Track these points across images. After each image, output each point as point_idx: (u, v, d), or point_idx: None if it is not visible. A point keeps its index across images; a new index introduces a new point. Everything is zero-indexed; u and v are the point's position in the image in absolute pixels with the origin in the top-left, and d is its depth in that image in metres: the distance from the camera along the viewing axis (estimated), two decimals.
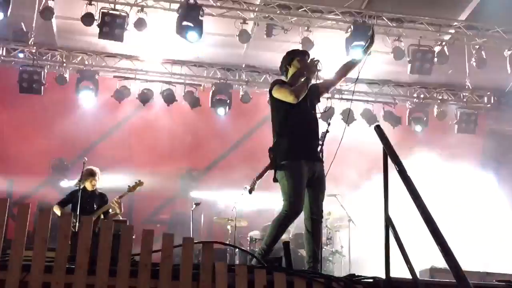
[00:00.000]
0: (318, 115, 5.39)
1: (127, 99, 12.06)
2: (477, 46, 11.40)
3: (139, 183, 8.77)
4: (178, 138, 12.15)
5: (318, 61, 5.29)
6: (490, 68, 11.45)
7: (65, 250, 3.76)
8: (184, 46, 10.82)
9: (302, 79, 5.28)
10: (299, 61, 5.44)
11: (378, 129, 4.52)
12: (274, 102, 5.35)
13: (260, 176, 6.01)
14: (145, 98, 12.00)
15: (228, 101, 12.36)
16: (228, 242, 9.41)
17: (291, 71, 5.46)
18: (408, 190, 3.78)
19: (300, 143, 5.17)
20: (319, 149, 5.41)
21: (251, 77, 12.64)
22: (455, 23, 11.34)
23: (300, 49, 5.74)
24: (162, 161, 11.66)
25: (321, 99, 5.53)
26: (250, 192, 6.54)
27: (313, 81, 5.36)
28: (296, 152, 5.13)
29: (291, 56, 5.52)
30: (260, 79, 12.66)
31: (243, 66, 12.50)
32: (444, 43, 11.45)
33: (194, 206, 9.80)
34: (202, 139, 12.35)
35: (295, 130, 5.21)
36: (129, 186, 8.71)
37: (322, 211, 5.24)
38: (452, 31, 11.44)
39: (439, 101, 13.34)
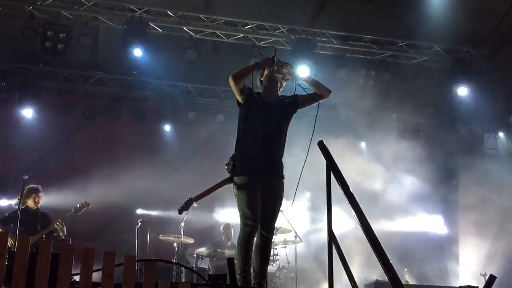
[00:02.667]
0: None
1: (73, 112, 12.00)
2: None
3: (85, 205, 8.56)
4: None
5: (276, 56, 5.32)
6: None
7: (1, 271, 3.62)
8: None
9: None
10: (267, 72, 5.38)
11: (321, 145, 4.56)
12: (238, 107, 5.31)
13: (202, 195, 5.92)
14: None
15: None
16: (174, 260, 9.28)
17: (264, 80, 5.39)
18: (351, 207, 3.81)
19: (254, 158, 5.06)
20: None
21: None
22: (398, 41, 11.67)
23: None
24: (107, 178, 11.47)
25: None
26: (179, 212, 6.41)
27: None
28: (249, 169, 5.04)
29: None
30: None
31: None
32: None
33: (139, 223, 9.66)
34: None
35: (251, 142, 5.10)
36: (74, 207, 8.49)
37: (274, 227, 5.17)
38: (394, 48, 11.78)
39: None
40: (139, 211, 11.20)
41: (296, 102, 5.29)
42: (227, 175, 5.26)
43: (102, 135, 12.19)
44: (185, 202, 6.34)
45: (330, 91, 5.23)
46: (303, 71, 10.69)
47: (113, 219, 11.76)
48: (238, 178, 5.06)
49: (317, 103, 5.31)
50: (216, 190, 5.81)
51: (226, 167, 5.20)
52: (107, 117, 12.40)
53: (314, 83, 5.30)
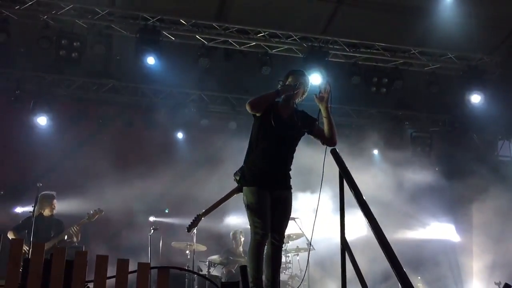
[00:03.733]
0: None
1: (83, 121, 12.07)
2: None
3: (99, 212, 8.59)
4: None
5: (301, 83, 5.24)
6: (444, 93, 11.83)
7: (16, 277, 3.65)
8: None
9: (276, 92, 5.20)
10: (288, 77, 5.37)
11: (334, 154, 4.57)
12: (252, 127, 5.30)
13: (210, 209, 5.94)
14: None
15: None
16: (187, 268, 9.29)
17: None
18: (364, 214, 3.80)
19: (264, 170, 5.13)
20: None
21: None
22: (410, 48, 11.65)
23: (298, 70, 5.52)
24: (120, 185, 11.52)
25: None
26: (188, 230, 6.41)
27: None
28: (258, 180, 5.10)
29: (288, 74, 5.43)
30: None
31: None
32: None
33: (152, 231, 9.69)
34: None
35: (263, 154, 5.16)
36: (88, 214, 8.52)
37: (284, 237, 5.22)
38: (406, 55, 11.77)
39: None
40: (152, 218, 11.22)
41: (311, 130, 5.32)
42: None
43: (115, 142, 12.20)
44: (193, 220, 6.34)
45: (336, 143, 5.17)
46: (315, 79, 10.71)
47: (126, 226, 11.78)
48: (248, 188, 5.13)
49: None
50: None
51: (234, 177, 5.29)
52: (120, 125, 12.45)
53: (329, 125, 5.23)
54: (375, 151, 13.27)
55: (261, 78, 11.20)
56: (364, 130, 13.28)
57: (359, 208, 3.89)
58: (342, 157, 4.62)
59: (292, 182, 5.29)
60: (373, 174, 11.42)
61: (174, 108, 12.42)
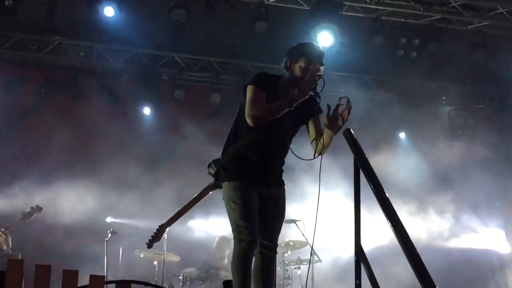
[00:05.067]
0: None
1: None
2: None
3: (37, 210, 8.58)
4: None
5: (320, 77, 5.04)
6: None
7: None
8: None
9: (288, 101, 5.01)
10: (302, 67, 5.20)
11: (348, 134, 4.58)
12: (241, 109, 5.26)
13: (177, 216, 5.95)
14: None
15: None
16: (154, 283, 9.31)
17: (293, 70, 5.25)
18: (386, 216, 3.79)
19: (253, 163, 5.18)
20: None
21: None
22: (450, 1, 11.60)
23: (315, 46, 5.37)
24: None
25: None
26: (148, 245, 6.40)
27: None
28: (245, 173, 5.15)
29: (299, 53, 5.28)
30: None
31: None
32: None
33: (109, 235, 9.69)
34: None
35: (253, 144, 5.19)
36: (22, 213, 8.51)
37: (277, 245, 5.25)
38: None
39: None
40: (109, 220, 11.23)
41: (311, 120, 5.38)
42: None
43: (62, 119, 12.15)
44: (154, 232, 6.31)
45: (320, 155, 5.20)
46: (325, 39, 10.70)
47: (74, 229, 11.77)
48: (230, 184, 5.16)
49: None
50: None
51: (208, 170, 5.35)
52: (68, 96, 12.40)
53: (325, 147, 5.19)
54: (402, 134, 13.29)
55: (254, 36, 11.17)
56: (388, 107, 13.28)
57: (379, 209, 3.89)
58: (359, 141, 4.61)
59: (295, 176, 5.31)
60: (399, 164, 11.48)
61: (139, 75, 12.41)
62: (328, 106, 5.10)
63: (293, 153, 5.28)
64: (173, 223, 6.19)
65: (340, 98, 5.06)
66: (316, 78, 5.02)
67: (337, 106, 5.06)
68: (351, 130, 4.68)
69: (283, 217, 5.31)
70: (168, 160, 12.25)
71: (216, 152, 5.40)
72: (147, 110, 12.79)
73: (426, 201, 12.07)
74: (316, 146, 5.21)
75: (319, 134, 5.26)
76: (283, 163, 5.41)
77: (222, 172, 5.25)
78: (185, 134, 12.29)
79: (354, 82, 12.97)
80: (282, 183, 5.37)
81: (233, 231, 5.08)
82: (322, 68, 5.18)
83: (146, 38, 11.92)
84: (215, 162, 5.31)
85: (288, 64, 5.28)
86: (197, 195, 5.66)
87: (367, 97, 13.00)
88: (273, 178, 5.28)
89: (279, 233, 5.28)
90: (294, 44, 5.37)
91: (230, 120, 5.38)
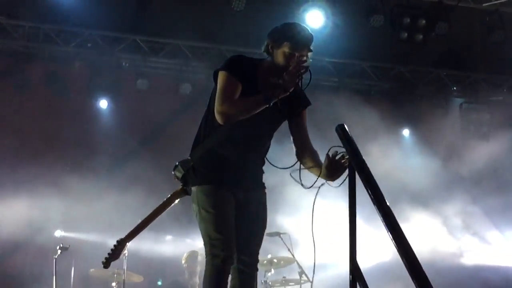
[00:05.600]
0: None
1: None
2: None
3: None
4: None
5: (306, 70, 4.92)
6: None
7: None
8: None
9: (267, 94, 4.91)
10: (286, 53, 5.08)
11: (342, 131, 4.54)
12: (211, 99, 5.15)
13: (140, 228, 5.88)
14: None
15: None
16: None
17: (275, 56, 5.13)
18: (386, 227, 3.77)
19: (227, 163, 5.11)
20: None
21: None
22: None
23: (303, 28, 5.18)
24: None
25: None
26: (105, 265, 6.34)
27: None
28: (218, 175, 5.09)
29: (283, 35, 5.13)
30: None
31: None
32: None
33: (59, 251, 9.64)
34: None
35: (227, 140, 5.11)
36: None
37: (257, 260, 5.18)
38: None
39: None
40: (59, 233, 11.17)
41: (295, 117, 5.34)
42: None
43: (2, 113, 12.12)
44: (112, 249, 6.22)
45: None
46: (315, 18, 10.70)
47: (17, 245, 11.71)
48: (200, 188, 5.08)
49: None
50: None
51: (174, 174, 5.26)
52: (9, 86, 12.33)
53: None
54: (405, 132, 13.31)
55: (231, 16, 11.16)
56: (390, 99, 13.32)
57: (379, 219, 3.87)
58: (356, 139, 4.58)
59: (281, 177, 5.26)
60: (401, 166, 11.48)
61: (94, 61, 12.33)
62: (328, 157, 4.92)
63: (269, 162, 5.28)
64: (134, 237, 6.13)
65: (336, 152, 4.86)
66: (302, 71, 4.90)
67: (333, 158, 4.88)
68: (345, 126, 4.62)
69: (265, 226, 5.25)
70: (130, 163, 12.19)
71: (186, 153, 5.35)
72: (103, 103, 12.68)
73: (433, 209, 12.10)
74: (316, 179, 5.04)
75: (304, 137, 5.26)
76: (263, 162, 5.34)
77: (191, 174, 5.17)
78: (149, 132, 12.26)
79: (349, 70, 13.02)
80: (262, 186, 5.32)
81: (204, 244, 4.99)
82: (310, 54, 5.10)
83: (102, 18, 11.88)
84: (182, 163, 5.22)
85: (269, 48, 5.16)
86: (162, 203, 5.60)
87: (364, 87, 13.04)
88: (251, 181, 5.23)
89: (260, 246, 5.21)
90: (277, 25, 5.24)
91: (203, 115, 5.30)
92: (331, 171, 4.91)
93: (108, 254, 6.09)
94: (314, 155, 5.20)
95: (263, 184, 5.33)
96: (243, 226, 5.09)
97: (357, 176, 4.32)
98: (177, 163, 5.25)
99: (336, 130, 4.64)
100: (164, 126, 12.16)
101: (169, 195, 5.52)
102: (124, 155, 12.36)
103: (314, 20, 10.68)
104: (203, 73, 12.59)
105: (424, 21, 11.75)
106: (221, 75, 5.03)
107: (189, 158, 5.24)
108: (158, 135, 12.04)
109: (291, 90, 4.91)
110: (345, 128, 4.61)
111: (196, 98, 12.21)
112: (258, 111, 4.93)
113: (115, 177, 11.98)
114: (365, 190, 4.07)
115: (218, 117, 4.91)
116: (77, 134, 12.24)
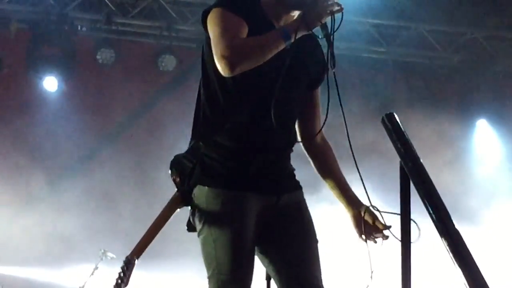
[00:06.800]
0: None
1: None
2: None
3: None
4: None
5: (340, 8, 4.66)
6: None
7: None
8: None
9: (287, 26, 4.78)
10: None
11: (391, 123, 4.41)
12: (206, 56, 4.96)
13: (147, 241, 5.98)
14: None
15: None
16: None
17: None
18: (449, 250, 3.88)
19: (246, 152, 4.91)
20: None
21: None
22: None
23: None
24: None
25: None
26: (118, 286, 6.50)
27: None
28: (233, 173, 4.86)
29: None
30: None
31: None
32: None
33: None
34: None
35: (241, 118, 4.88)
36: None
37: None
38: None
39: None
40: None
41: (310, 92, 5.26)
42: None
43: None
44: (123, 267, 6.35)
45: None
46: None
47: None
48: (207, 193, 4.87)
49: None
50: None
51: (171, 175, 5.03)
52: None
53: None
54: (481, 121, 13.46)
55: None
56: (459, 77, 13.45)
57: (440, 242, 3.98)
58: (409, 133, 4.54)
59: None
60: (476, 169, 11.62)
61: (38, 23, 12.56)
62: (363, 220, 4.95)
63: None
64: (141, 254, 6.28)
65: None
66: (335, 8, 4.66)
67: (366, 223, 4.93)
68: (395, 115, 4.42)
69: (316, 241, 5.02)
70: (88, 162, 12.37)
71: (170, 149, 5.31)
72: (52, 83, 12.92)
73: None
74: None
75: (316, 124, 5.23)
76: (290, 153, 5.14)
77: (190, 178, 4.94)
78: (118, 123, 12.40)
79: (401, 36, 13.08)
80: (298, 186, 5.11)
81: (209, 277, 4.79)
82: None
83: None
84: (184, 157, 5.00)
85: None
86: (161, 213, 5.60)
87: (421, 60, 13.17)
88: (285, 180, 5.07)
89: (319, 272, 4.94)
90: None
91: (194, 94, 5.06)
92: (360, 231, 4.94)
93: (119, 277, 6.26)
94: (327, 157, 5.27)
95: (299, 183, 5.14)
96: (286, 250, 4.94)
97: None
98: (173, 160, 5.04)
99: (383, 121, 4.44)
100: (137, 115, 12.31)
101: (166, 205, 5.47)
102: (81, 152, 12.47)
103: None
104: (192, 41, 12.65)
105: None
106: (216, 14, 4.82)
107: (198, 143, 4.97)
108: (129, 127, 12.16)
109: (313, 28, 4.68)
110: (395, 119, 4.43)
111: (184, 74, 12.30)
112: (275, 52, 4.66)
113: (68, 179, 12.13)
114: (419, 202, 4.15)
115: (221, 66, 4.59)
116: (15, 123, 12.40)
